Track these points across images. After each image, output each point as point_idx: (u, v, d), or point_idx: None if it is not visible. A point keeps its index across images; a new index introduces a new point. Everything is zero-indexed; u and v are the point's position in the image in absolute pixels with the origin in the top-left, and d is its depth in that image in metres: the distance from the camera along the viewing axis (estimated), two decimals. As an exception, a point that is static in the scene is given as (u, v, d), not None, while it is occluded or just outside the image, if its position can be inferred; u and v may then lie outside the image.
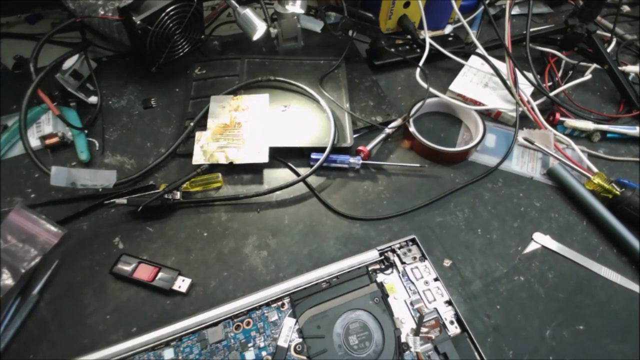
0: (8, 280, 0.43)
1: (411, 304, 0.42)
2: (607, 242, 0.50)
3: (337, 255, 0.47)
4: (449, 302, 0.43)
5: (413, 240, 0.47)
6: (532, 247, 0.49)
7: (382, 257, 0.46)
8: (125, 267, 0.44)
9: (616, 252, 0.49)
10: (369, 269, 0.45)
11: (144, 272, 0.43)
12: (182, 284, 0.43)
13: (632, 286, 0.47)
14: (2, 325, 0.40)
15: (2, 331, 0.39)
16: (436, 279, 0.44)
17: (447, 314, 0.42)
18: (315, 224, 0.50)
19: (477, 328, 0.43)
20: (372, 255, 0.45)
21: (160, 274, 0.43)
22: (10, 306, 0.41)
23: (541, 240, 0.50)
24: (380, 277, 0.44)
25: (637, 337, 0.43)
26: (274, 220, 0.50)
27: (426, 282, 0.44)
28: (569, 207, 0.53)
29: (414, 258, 0.46)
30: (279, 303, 0.42)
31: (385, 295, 0.43)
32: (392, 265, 0.45)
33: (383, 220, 0.50)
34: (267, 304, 0.41)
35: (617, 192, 0.51)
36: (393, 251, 0.46)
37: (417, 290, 0.43)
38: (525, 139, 0.58)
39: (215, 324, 0.40)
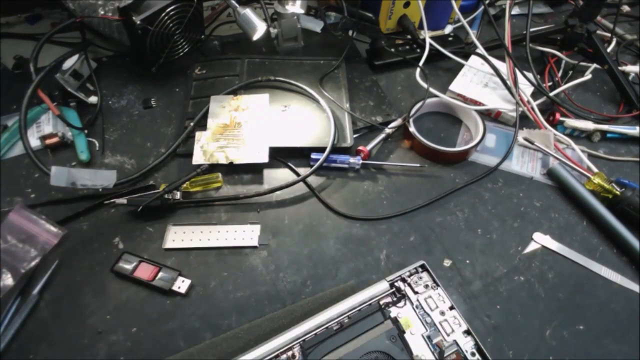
0: (8, 280, 0.42)
1: (429, 338, 0.40)
2: (607, 242, 0.50)
3: (337, 255, 0.47)
4: (468, 332, 0.40)
5: (423, 267, 0.44)
6: (532, 247, 0.49)
7: (393, 288, 0.42)
8: (126, 266, 0.44)
9: (616, 252, 0.49)
10: (381, 303, 0.41)
11: (144, 272, 0.43)
12: (181, 284, 0.43)
13: (632, 286, 0.47)
14: (2, 325, 0.40)
15: (2, 331, 0.39)
16: (452, 308, 0.41)
17: (467, 345, 0.39)
18: (315, 224, 0.50)
19: (477, 328, 0.43)
20: (382, 287, 0.42)
21: (160, 274, 0.44)
22: (10, 306, 0.41)
23: (541, 240, 0.50)
24: (393, 312, 0.41)
25: (637, 337, 0.43)
26: (274, 220, 0.50)
27: (442, 312, 0.41)
28: (569, 207, 0.53)
29: (426, 286, 0.43)
30: (289, 353, 0.38)
31: (401, 332, 0.40)
32: (404, 296, 0.42)
33: (383, 220, 0.50)
34: (276, 356, 0.37)
35: (617, 192, 0.51)
36: (403, 280, 0.43)
37: (434, 322, 0.41)
38: (525, 139, 0.58)
39: None
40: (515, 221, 0.52)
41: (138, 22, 0.53)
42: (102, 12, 0.56)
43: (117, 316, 0.42)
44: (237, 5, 0.60)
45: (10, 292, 0.42)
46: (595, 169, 0.56)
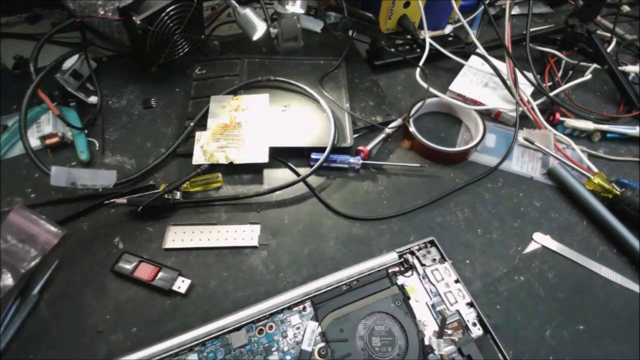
0: (8, 280, 0.43)
1: (433, 306, 0.42)
2: (607, 242, 0.50)
3: (337, 255, 0.47)
4: (471, 304, 0.42)
5: (432, 242, 0.47)
6: (532, 247, 0.49)
7: (402, 259, 0.45)
8: (126, 266, 0.44)
9: (616, 252, 0.49)
10: (389, 271, 0.44)
11: (144, 271, 0.43)
12: (181, 284, 0.43)
13: (632, 286, 0.47)
14: (2, 325, 0.40)
15: (2, 331, 0.39)
16: (457, 281, 0.44)
17: (470, 315, 0.42)
18: (315, 224, 0.50)
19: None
20: (391, 257, 0.45)
21: (160, 274, 0.44)
22: (10, 306, 0.41)
23: (541, 240, 0.50)
24: (400, 280, 0.44)
25: (637, 337, 0.43)
26: (274, 220, 0.50)
27: (447, 284, 0.44)
28: (569, 207, 0.53)
29: (434, 260, 0.45)
30: (301, 307, 0.41)
31: (406, 298, 0.42)
32: (412, 267, 0.45)
33: (383, 220, 0.50)
34: (289, 307, 0.41)
35: (617, 192, 0.51)
36: (412, 253, 0.46)
37: (438, 292, 0.43)
38: (525, 139, 0.58)
39: (238, 329, 0.39)
40: (515, 221, 0.51)
41: (138, 22, 0.53)
42: (102, 12, 0.56)
43: (117, 316, 0.42)
44: (237, 5, 0.60)
45: (10, 292, 0.42)
46: (595, 169, 0.56)
